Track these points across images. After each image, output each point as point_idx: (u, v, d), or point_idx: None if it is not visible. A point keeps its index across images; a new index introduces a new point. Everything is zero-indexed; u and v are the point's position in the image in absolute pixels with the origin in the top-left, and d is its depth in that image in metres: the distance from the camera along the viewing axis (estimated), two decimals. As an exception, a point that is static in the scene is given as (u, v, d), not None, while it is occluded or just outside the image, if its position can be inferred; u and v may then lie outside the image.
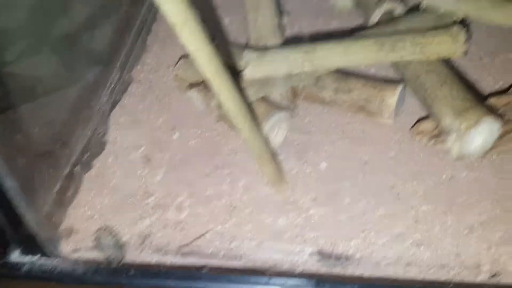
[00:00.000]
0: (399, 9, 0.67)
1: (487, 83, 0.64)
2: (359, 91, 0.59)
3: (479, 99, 0.54)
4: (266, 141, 0.50)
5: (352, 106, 0.59)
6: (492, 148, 0.54)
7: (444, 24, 0.59)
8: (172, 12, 0.31)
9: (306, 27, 0.75)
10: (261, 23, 0.62)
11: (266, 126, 0.54)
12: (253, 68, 0.54)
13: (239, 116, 0.42)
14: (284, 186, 0.53)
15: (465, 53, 0.56)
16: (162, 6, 0.31)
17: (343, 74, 0.60)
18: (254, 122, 0.45)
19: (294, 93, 0.61)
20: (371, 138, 0.59)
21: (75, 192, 0.55)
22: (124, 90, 0.67)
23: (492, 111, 0.53)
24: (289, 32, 0.73)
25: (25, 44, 0.55)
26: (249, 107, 0.44)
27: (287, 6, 0.76)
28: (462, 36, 0.55)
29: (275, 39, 0.63)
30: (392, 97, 0.57)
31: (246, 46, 0.63)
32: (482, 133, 0.52)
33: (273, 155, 0.51)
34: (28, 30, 0.55)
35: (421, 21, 0.61)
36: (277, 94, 0.59)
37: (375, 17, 0.66)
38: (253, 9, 0.63)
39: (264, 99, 0.57)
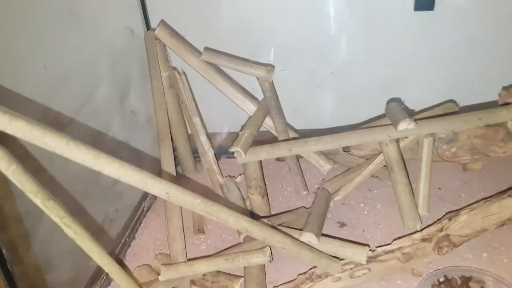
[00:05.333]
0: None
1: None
2: (222, 283, 1.16)
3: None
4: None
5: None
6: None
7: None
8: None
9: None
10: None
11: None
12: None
13: None
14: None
15: (270, 261, 1.13)
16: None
17: (216, 272, 1.18)
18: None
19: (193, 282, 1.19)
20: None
21: None
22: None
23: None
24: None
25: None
26: None
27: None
28: (268, 253, 1.13)
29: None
30: (237, 285, 1.14)
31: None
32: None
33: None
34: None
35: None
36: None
37: (242, 237, 1.25)
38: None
39: None
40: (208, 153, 1.48)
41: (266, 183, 1.55)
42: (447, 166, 1.46)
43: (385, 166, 1.39)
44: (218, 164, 1.51)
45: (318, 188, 1.44)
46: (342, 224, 1.35)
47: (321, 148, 1.28)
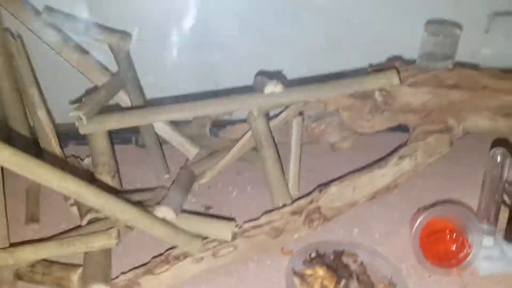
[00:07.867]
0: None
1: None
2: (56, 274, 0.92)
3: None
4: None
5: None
6: None
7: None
8: None
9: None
10: None
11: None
12: None
13: None
14: None
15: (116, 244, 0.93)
16: None
17: (49, 262, 0.94)
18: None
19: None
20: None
21: None
22: None
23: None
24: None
25: None
26: None
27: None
28: (114, 234, 0.92)
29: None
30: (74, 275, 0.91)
31: None
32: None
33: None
34: None
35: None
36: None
37: (85, 220, 1.03)
38: None
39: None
40: (46, 129, 1.23)
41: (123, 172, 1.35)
42: (317, 149, 1.39)
43: (253, 147, 1.28)
44: (60, 144, 1.26)
45: (181, 168, 1.27)
46: (208, 208, 1.19)
47: (178, 117, 1.13)
